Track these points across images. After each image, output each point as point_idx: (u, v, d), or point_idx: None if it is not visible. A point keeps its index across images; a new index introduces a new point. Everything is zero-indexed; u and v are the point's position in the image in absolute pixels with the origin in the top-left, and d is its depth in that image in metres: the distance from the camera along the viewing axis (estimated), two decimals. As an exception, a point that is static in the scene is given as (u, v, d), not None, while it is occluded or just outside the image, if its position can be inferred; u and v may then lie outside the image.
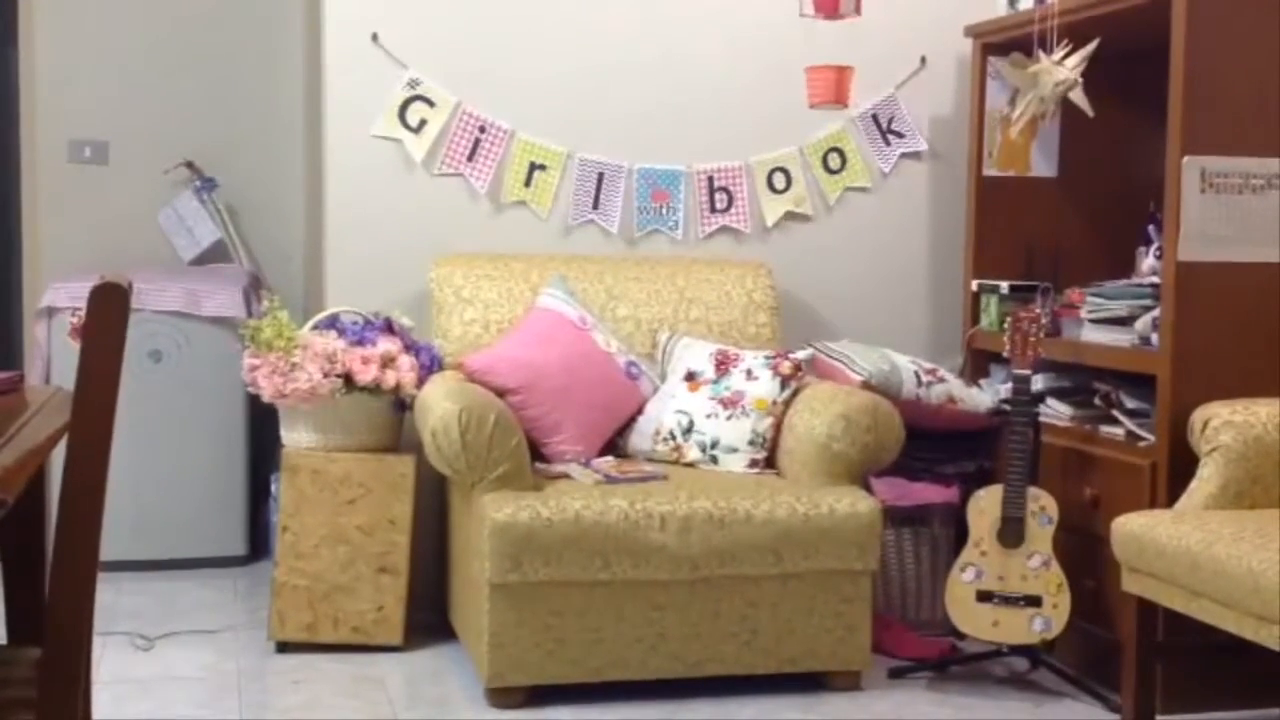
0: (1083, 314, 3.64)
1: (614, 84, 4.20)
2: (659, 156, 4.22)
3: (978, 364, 4.13)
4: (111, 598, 4.04)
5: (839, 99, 3.87)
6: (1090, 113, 3.60)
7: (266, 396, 3.61)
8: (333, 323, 3.74)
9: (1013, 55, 3.75)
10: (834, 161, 4.33)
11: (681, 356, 3.84)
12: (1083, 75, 3.57)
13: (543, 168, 4.15)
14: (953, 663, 3.59)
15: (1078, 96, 3.60)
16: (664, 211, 4.24)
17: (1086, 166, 4.17)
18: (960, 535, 3.62)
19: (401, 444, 3.74)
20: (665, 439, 3.71)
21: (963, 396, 3.87)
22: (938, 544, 3.87)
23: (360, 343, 3.63)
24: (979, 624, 3.44)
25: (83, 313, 1.79)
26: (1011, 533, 3.42)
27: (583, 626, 3.28)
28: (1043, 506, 3.42)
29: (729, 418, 3.66)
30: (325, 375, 3.54)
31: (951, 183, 4.37)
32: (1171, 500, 3.20)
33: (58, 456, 1.87)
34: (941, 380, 3.85)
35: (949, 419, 3.86)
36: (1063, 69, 3.58)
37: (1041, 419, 3.61)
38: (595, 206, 4.19)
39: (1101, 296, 3.59)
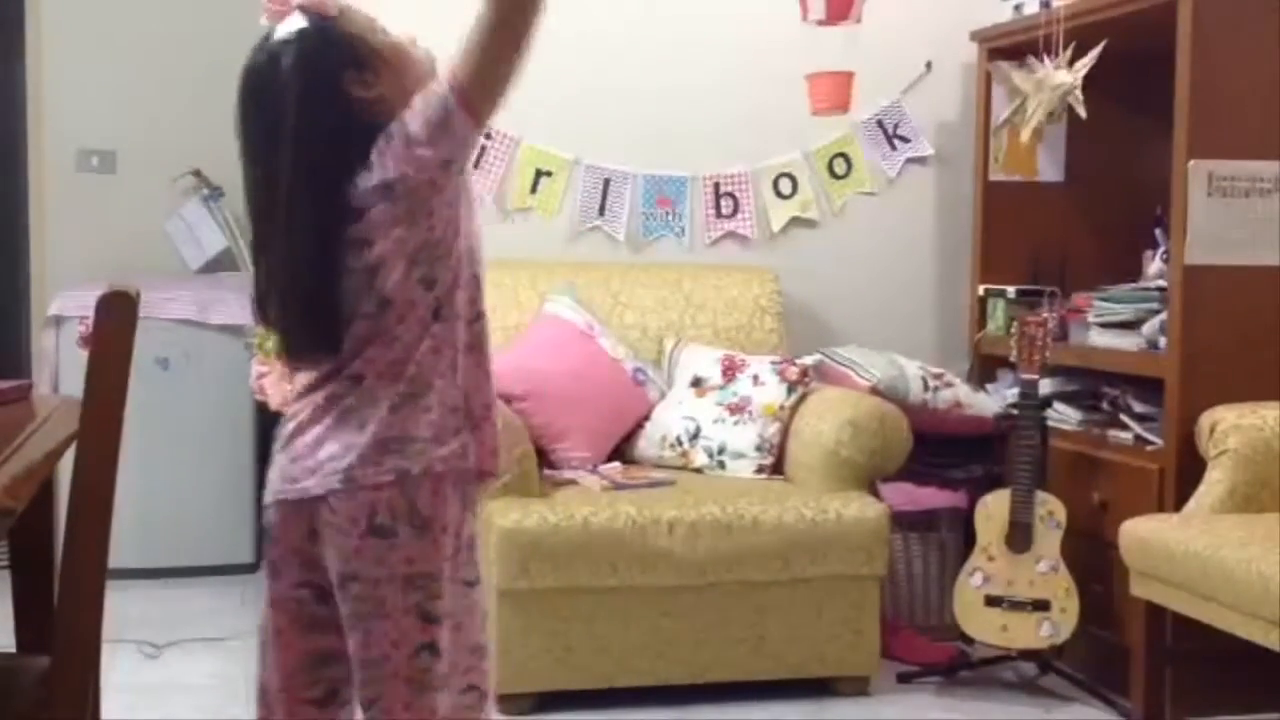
0: (1090, 318, 3.64)
1: (619, 91, 4.20)
2: (665, 163, 4.22)
3: (985, 369, 4.12)
4: (119, 606, 4.01)
5: (841, 105, 3.86)
6: (1083, 114, 3.59)
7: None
8: (340, 330, 3.73)
9: (1009, 63, 3.75)
10: (840, 167, 4.33)
11: (688, 363, 3.84)
12: (1088, 80, 3.56)
13: (549, 175, 4.15)
14: (961, 668, 3.58)
15: (1073, 98, 3.59)
16: (670, 218, 4.24)
17: (1093, 170, 4.16)
18: (968, 540, 3.61)
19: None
20: (672, 445, 3.70)
21: (970, 401, 3.86)
22: (946, 549, 3.86)
23: (367, 350, 3.63)
24: (987, 629, 3.44)
25: (91, 321, 1.79)
26: (1020, 537, 3.41)
27: (590, 633, 3.27)
28: (1051, 511, 3.41)
29: (736, 423, 3.66)
30: (332, 383, 3.54)
31: (957, 187, 4.36)
32: (1180, 504, 3.20)
33: (66, 465, 1.87)
34: (949, 385, 3.84)
35: (956, 424, 3.85)
36: (1063, 72, 3.58)
37: (1049, 423, 3.60)
38: (601, 213, 4.19)
39: (1108, 301, 3.59)
